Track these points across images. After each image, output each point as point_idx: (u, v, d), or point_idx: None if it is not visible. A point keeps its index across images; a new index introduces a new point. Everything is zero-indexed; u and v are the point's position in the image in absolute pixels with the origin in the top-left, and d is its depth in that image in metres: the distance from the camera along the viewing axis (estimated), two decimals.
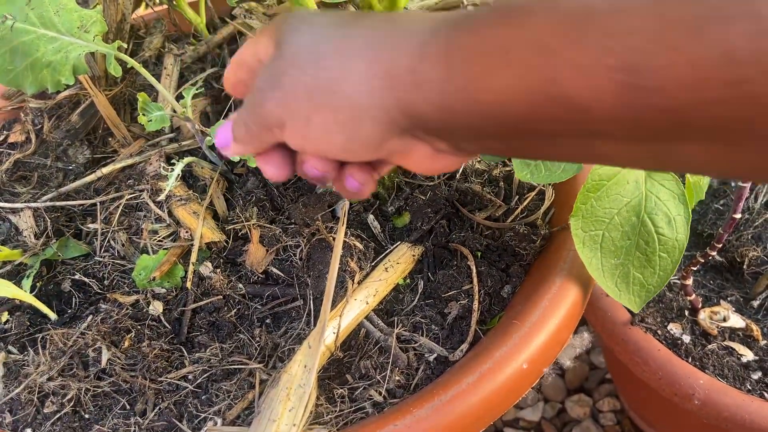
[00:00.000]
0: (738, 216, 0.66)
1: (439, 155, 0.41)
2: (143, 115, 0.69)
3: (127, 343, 0.65)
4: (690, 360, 0.75)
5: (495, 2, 0.34)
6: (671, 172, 0.53)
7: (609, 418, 1.12)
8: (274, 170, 0.46)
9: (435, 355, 0.64)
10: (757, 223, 0.86)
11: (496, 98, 0.33)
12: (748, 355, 0.76)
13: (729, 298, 0.83)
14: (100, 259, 0.73)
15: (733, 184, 0.92)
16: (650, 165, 0.35)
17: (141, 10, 0.98)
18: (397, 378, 0.61)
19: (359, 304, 0.65)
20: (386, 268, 0.69)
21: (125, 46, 0.73)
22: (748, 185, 0.65)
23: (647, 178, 0.55)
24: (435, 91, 0.35)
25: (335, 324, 0.63)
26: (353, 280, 0.66)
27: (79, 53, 0.70)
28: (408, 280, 0.70)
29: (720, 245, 0.70)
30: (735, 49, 0.26)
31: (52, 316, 0.70)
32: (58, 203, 0.75)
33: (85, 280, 0.72)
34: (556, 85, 0.31)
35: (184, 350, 0.66)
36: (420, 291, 0.69)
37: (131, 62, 0.71)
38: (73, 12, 0.72)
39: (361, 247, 0.69)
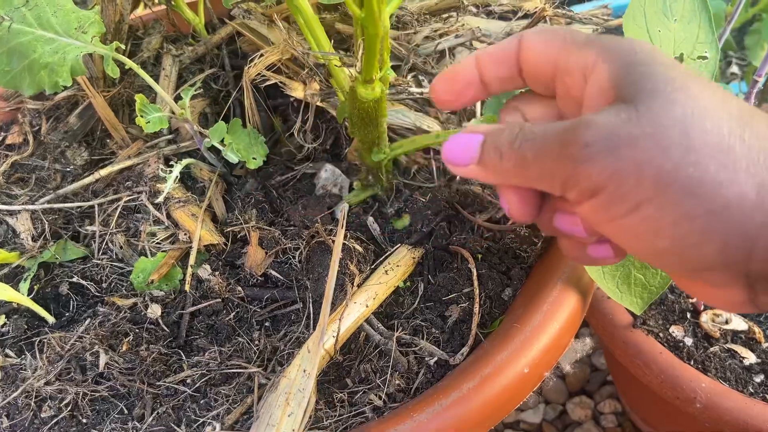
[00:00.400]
0: None
1: (748, 304, 0.35)
2: (141, 116, 0.69)
3: (125, 347, 0.64)
4: (692, 363, 0.75)
5: None
6: None
7: (610, 420, 1.12)
8: (525, 209, 0.40)
9: (435, 358, 0.63)
10: None
11: None
12: (750, 358, 0.76)
13: None
14: (98, 262, 0.73)
15: None
16: None
17: (139, 11, 0.98)
18: (397, 382, 0.61)
19: (359, 307, 0.65)
20: (386, 271, 0.68)
21: (123, 47, 0.72)
22: None
23: None
24: None
25: (334, 328, 0.62)
26: (353, 283, 0.66)
27: (77, 54, 0.69)
28: (408, 283, 0.70)
29: None
30: None
31: (50, 319, 0.69)
32: (55, 205, 0.75)
33: (83, 282, 0.71)
34: None
35: (182, 354, 0.65)
36: (420, 294, 0.69)
37: (129, 63, 0.71)
38: (70, 13, 0.71)
39: (360, 249, 0.69)
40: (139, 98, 0.69)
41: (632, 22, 0.42)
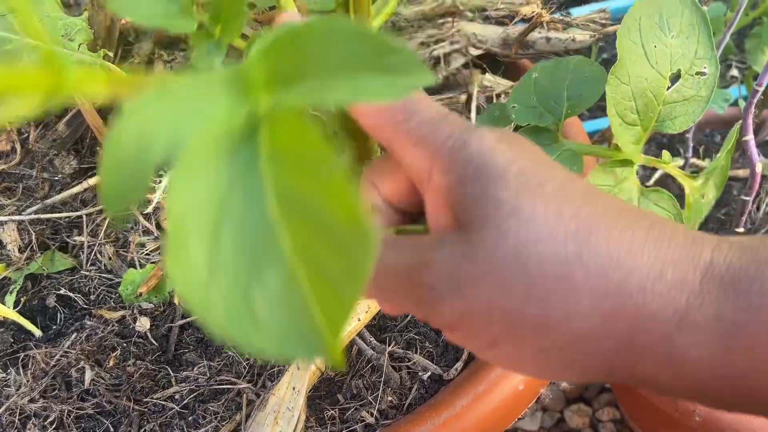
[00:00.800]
0: (741, 230, 0.64)
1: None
2: None
3: (112, 362, 0.63)
4: None
5: None
6: None
7: (608, 428, 1.11)
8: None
9: (429, 373, 0.62)
10: (760, 234, 0.84)
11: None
12: None
13: None
14: (87, 273, 0.72)
15: (734, 192, 0.90)
16: None
17: None
18: (389, 398, 0.60)
19: (351, 321, 0.63)
20: None
21: (111, 54, 0.71)
22: (750, 198, 0.63)
23: (641, 198, 0.52)
24: (694, 370, 0.28)
25: None
26: None
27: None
28: None
29: None
30: None
31: (37, 332, 0.68)
32: (43, 216, 0.73)
33: (71, 295, 0.70)
34: None
35: (170, 369, 0.64)
36: None
37: (116, 71, 0.69)
38: (57, 20, 0.70)
39: None
40: None
41: (627, 37, 0.41)
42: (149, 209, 0.71)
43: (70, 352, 0.62)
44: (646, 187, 0.51)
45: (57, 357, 0.62)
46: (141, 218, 0.72)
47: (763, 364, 0.27)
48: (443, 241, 0.31)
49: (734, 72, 1.18)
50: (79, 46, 0.69)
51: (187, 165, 0.21)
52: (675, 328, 0.28)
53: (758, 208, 0.83)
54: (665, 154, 0.51)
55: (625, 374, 0.30)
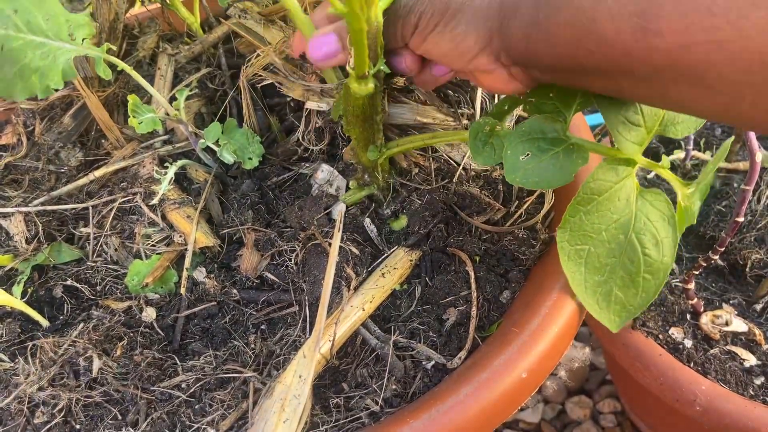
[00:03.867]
0: (741, 219, 0.64)
1: (511, 80, 0.54)
2: (134, 117, 0.68)
3: (119, 351, 0.63)
4: (692, 365, 0.74)
5: None
6: (677, 112, 0.54)
7: (609, 420, 1.11)
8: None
9: (433, 362, 0.62)
10: (759, 225, 0.84)
11: (557, 31, 0.45)
12: (750, 360, 0.75)
13: (731, 302, 0.82)
14: (93, 264, 0.72)
15: (735, 185, 0.91)
16: (659, 103, 0.47)
17: (136, 9, 0.97)
18: (393, 387, 0.60)
19: (355, 311, 0.64)
20: (383, 274, 0.67)
21: (114, 48, 0.71)
22: (750, 188, 0.64)
23: (639, 197, 0.53)
24: (525, 21, 0.47)
25: (331, 332, 0.62)
26: (349, 287, 0.65)
27: (68, 58, 0.68)
28: (405, 286, 0.69)
29: (722, 249, 0.69)
30: (714, 3, 0.35)
31: (44, 322, 0.69)
32: (49, 207, 0.74)
33: (77, 285, 0.71)
34: (595, 23, 0.42)
35: (177, 358, 0.64)
36: (417, 296, 0.68)
37: (121, 65, 0.70)
38: (60, 16, 0.71)
39: (357, 252, 0.68)
40: (131, 99, 0.68)
41: None
42: (155, 200, 0.72)
43: (78, 342, 0.63)
44: (646, 183, 0.52)
45: (65, 346, 0.63)
46: (146, 209, 0.73)
47: (550, 12, 0.46)
48: None
49: None
50: (83, 41, 0.70)
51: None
52: None
53: (758, 200, 0.84)
54: (664, 159, 0.52)
55: (499, 37, 0.51)
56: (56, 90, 0.69)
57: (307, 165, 0.81)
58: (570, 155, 0.54)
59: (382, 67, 0.61)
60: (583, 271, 0.56)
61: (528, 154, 0.55)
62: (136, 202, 0.74)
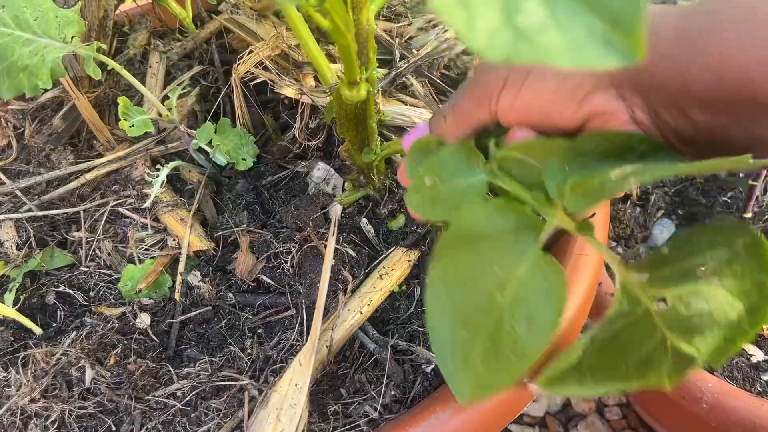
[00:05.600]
0: (749, 216, 0.63)
1: (631, 124, 0.41)
2: (125, 120, 0.67)
3: (112, 360, 0.62)
4: None
5: None
6: None
7: (615, 412, 1.10)
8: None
9: (432, 365, 0.61)
10: (766, 217, 0.83)
11: (728, 62, 0.36)
12: (758, 355, 0.74)
13: None
14: (86, 270, 0.71)
15: (740, 174, 0.89)
16: None
17: (126, 5, 0.95)
18: (392, 392, 0.59)
19: (353, 314, 0.63)
20: (381, 276, 0.66)
21: (105, 47, 0.69)
22: (758, 184, 0.62)
23: (534, 262, 0.40)
24: (669, 36, 0.38)
25: (328, 338, 0.60)
26: (346, 290, 0.64)
27: (56, 56, 0.67)
28: (404, 287, 0.68)
29: None
30: None
31: (37, 330, 0.68)
32: (40, 213, 0.73)
33: (70, 292, 0.69)
34: None
35: (172, 366, 0.63)
36: (417, 298, 0.67)
37: (111, 64, 0.68)
38: (49, 12, 0.69)
39: (353, 254, 0.67)
40: (122, 101, 0.67)
41: None
42: (147, 204, 0.70)
43: (70, 351, 0.62)
44: None
45: (57, 356, 0.62)
46: (138, 213, 0.71)
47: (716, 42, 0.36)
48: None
49: None
50: (72, 38, 0.68)
51: None
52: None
53: (765, 191, 0.82)
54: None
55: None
56: (45, 90, 0.68)
57: (303, 163, 0.79)
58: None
59: (375, 72, 0.59)
60: (448, 319, 0.43)
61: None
62: (129, 205, 0.73)
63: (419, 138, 0.52)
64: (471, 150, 0.47)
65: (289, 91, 0.74)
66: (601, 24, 0.32)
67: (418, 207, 0.46)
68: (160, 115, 0.72)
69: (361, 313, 0.63)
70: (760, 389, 0.71)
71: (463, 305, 0.42)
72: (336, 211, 0.70)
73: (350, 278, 0.65)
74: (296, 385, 0.56)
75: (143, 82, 0.82)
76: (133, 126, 0.67)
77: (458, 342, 0.43)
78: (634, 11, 0.31)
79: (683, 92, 0.38)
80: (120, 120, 0.66)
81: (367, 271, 0.67)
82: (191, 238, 0.69)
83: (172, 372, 0.62)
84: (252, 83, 0.76)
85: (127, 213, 0.73)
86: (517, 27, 0.32)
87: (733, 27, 0.36)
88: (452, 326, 0.43)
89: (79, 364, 0.61)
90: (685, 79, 0.38)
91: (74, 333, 0.64)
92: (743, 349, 0.74)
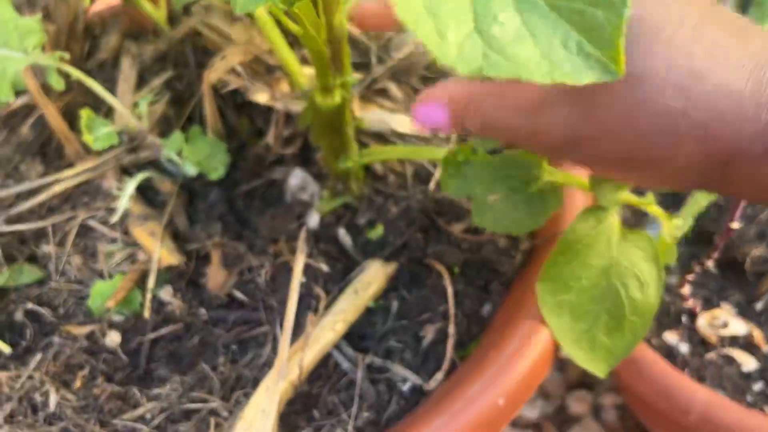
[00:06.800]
0: (735, 226, 0.60)
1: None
2: (88, 133, 0.64)
3: (79, 382, 0.61)
4: (687, 371, 0.71)
5: None
6: None
7: (611, 414, 1.08)
8: None
9: (409, 384, 0.59)
10: (760, 216, 0.80)
11: None
12: (749, 364, 0.71)
13: (730, 299, 0.78)
14: (55, 285, 0.69)
15: None
16: None
17: (98, 4, 0.92)
18: (365, 414, 0.57)
19: (326, 332, 0.61)
20: (356, 291, 0.64)
21: (67, 56, 0.67)
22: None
23: (620, 241, 0.50)
24: None
25: (299, 358, 0.58)
26: (316, 310, 0.62)
27: (17, 68, 0.65)
28: (381, 301, 0.66)
29: (716, 254, 0.65)
30: None
31: (6, 349, 0.66)
32: (7, 228, 0.71)
33: (39, 309, 0.67)
34: None
35: (141, 386, 0.61)
36: (393, 312, 0.65)
37: (75, 73, 0.66)
38: (9, 22, 0.66)
39: (326, 269, 0.64)
40: (84, 113, 0.65)
41: None
42: (116, 218, 0.68)
43: (34, 375, 0.60)
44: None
45: (21, 380, 0.60)
46: (107, 227, 0.69)
47: None
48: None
49: None
50: (33, 48, 0.66)
51: None
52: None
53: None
54: (650, 196, 0.50)
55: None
56: (8, 103, 0.66)
57: (279, 170, 0.77)
58: (544, 199, 0.51)
59: (349, 78, 0.57)
60: (567, 322, 0.53)
61: (497, 195, 0.51)
62: (99, 218, 0.71)
63: (449, 151, 0.55)
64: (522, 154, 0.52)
65: (261, 97, 0.71)
66: (578, 36, 0.31)
67: (496, 225, 0.55)
68: (129, 126, 0.70)
69: (335, 331, 0.61)
70: (750, 400, 0.69)
71: (575, 304, 0.53)
72: (311, 222, 0.68)
73: (323, 295, 0.63)
74: (263, 411, 0.54)
75: (115, 87, 0.79)
76: (97, 139, 0.65)
77: (582, 333, 0.53)
78: (613, 23, 0.31)
79: None
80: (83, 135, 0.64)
81: (341, 285, 0.65)
82: (162, 253, 0.67)
83: (140, 394, 0.60)
84: (223, 90, 0.74)
85: (97, 226, 0.71)
86: (490, 37, 0.31)
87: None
88: (572, 325, 0.53)
89: (44, 389, 0.59)
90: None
91: (39, 355, 0.63)
92: (735, 359, 0.71)
